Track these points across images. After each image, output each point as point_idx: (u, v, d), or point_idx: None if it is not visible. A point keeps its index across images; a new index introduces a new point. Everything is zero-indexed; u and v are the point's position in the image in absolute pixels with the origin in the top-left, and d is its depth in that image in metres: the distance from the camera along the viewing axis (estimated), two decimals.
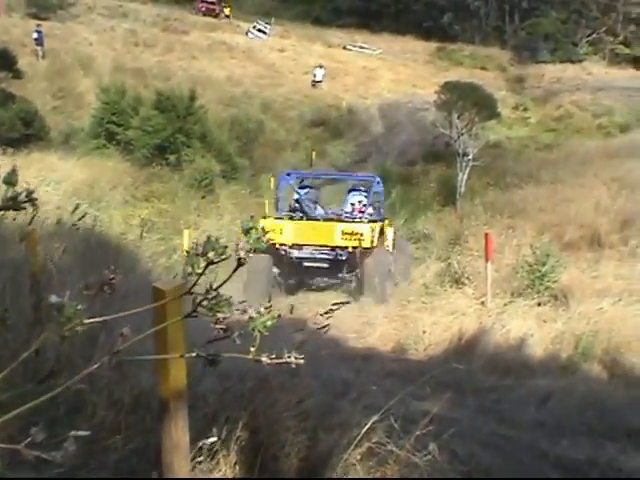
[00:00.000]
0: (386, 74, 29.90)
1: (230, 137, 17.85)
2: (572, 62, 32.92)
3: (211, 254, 1.34)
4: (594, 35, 36.23)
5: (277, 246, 9.27)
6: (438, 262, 11.18)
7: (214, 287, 1.35)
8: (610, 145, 19.09)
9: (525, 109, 26.56)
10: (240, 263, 1.36)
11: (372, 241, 9.34)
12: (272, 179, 16.35)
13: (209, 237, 1.36)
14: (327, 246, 9.39)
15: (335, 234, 9.32)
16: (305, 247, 9.45)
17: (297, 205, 10.28)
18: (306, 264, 9.47)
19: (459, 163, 15.59)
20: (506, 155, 19.51)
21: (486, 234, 8.66)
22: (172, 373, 1.74)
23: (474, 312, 7.78)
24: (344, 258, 9.35)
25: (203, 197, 14.15)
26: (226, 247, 1.35)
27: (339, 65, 29.51)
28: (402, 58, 32.69)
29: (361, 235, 9.25)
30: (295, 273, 9.65)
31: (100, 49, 24.64)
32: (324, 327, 3.28)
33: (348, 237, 9.27)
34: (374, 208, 10.60)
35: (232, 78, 25.79)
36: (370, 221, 9.75)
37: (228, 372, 2.68)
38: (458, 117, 16.29)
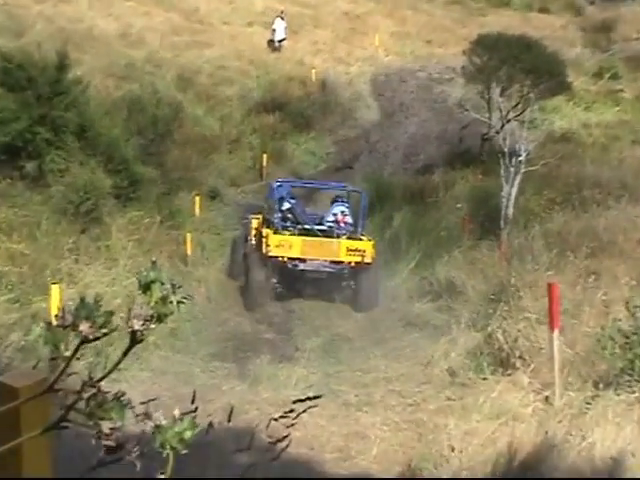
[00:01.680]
0: (383, 24, 30.65)
1: (127, 131, 17.96)
2: None
3: (85, 326, 1.34)
4: None
5: (284, 259, 15.02)
6: (471, 332, 11.37)
7: (95, 379, 1.36)
8: None
9: (614, 77, 26.42)
10: (135, 340, 1.40)
11: (372, 257, 15.12)
12: (198, 199, 16.54)
13: (83, 299, 1.39)
14: (332, 261, 15.19)
15: (341, 250, 15.22)
16: (310, 261, 15.15)
17: (290, 215, 15.93)
18: (308, 275, 15.20)
19: (504, 168, 16.02)
20: (582, 154, 19.96)
21: (550, 285, 8.87)
22: None
23: (533, 414, 7.94)
24: (346, 272, 15.22)
25: (84, 231, 14.15)
26: (111, 314, 1.39)
27: (306, 10, 30.54)
28: None
29: (364, 252, 15.11)
30: (294, 283, 15.33)
31: None
32: (281, 441, 3.43)
33: (352, 253, 15.15)
34: (359, 220, 16.01)
35: (129, 34, 26.38)
36: (350, 234, 15.58)
37: None
38: (502, 93, 17.22)
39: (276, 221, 15.65)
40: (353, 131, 24.13)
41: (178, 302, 1.47)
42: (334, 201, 16.72)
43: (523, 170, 15.91)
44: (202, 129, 23.00)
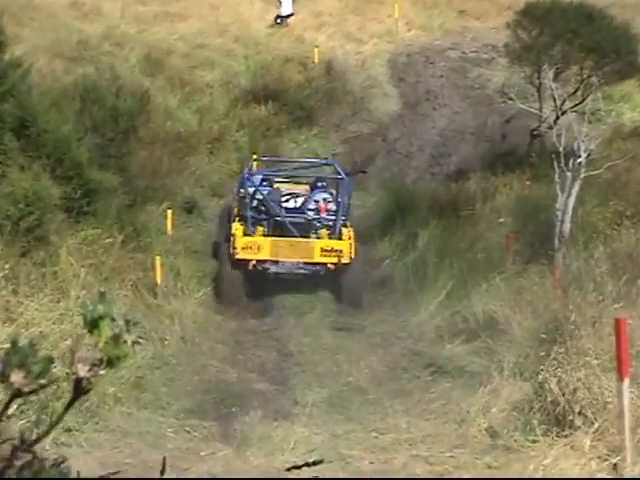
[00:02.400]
0: None
1: (80, 127, 17.99)
2: None
3: (18, 376, 1.35)
4: None
5: (254, 262, 17.04)
6: (517, 381, 11.35)
7: (29, 441, 1.37)
8: None
9: None
10: (80, 390, 1.42)
11: (351, 257, 17.14)
12: (170, 213, 16.55)
13: (14, 342, 1.40)
14: (306, 262, 17.19)
15: (315, 251, 17.20)
16: (282, 262, 17.21)
17: (262, 207, 17.94)
18: (282, 277, 17.37)
19: (559, 173, 16.00)
20: None
21: (618, 321, 8.94)
22: None
23: None
24: (322, 273, 17.26)
25: (24, 254, 14.12)
26: (51, 361, 1.41)
27: None
28: None
29: (340, 252, 17.11)
30: (268, 287, 17.51)
31: None
32: None
33: (327, 254, 17.12)
34: (340, 208, 17.84)
35: (81, 3, 26.60)
36: (333, 223, 17.71)
37: None
38: (556, 77, 17.07)
39: (248, 215, 17.58)
40: (367, 126, 24.20)
41: (134, 342, 1.47)
42: (315, 187, 18.86)
43: (583, 175, 15.87)
44: (175, 124, 23.12)
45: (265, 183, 18.51)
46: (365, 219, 20.65)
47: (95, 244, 15.27)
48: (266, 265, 17.16)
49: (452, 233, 18.02)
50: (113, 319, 1.46)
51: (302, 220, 17.75)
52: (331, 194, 18.39)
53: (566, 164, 15.69)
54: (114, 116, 19.32)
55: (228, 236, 17.51)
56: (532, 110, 17.83)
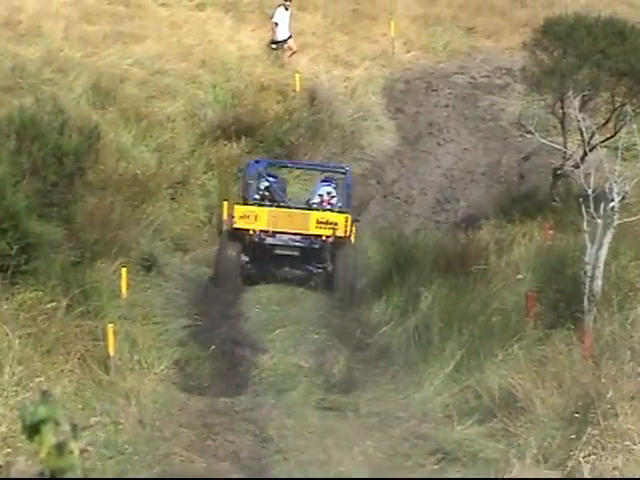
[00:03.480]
0: (402, 2, 30.83)
1: (16, 170, 17.96)
2: None
3: None
4: None
5: (250, 232, 20.52)
6: (542, 469, 11.38)
7: None
8: None
9: None
10: None
11: (346, 231, 20.51)
12: (124, 271, 16.64)
13: None
14: (301, 234, 20.76)
15: (310, 222, 20.71)
16: (279, 235, 20.78)
17: (267, 193, 21.82)
18: (277, 251, 20.92)
19: (588, 220, 15.90)
20: None
21: None
22: None
23: None
24: (317, 247, 20.69)
25: None
26: None
27: None
28: None
29: (335, 224, 20.52)
30: (265, 261, 21.12)
31: None
32: None
33: (323, 226, 20.54)
34: (343, 199, 21.87)
35: (16, 22, 26.45)
36: (340, 212, 21.28)
37: None
38: (582, 106, 17.16)
39: (252, 200, 21.41)
40: (358, 166, 24.33)
41: (82, 451, 1.46)
42: (322, 181, 22.82)
43: (617, 222, 15.83)
44: (130, 165, 23.04)
45: (270, 174, 22.62)
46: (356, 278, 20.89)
47: (35, 310, 15.24)
48: (262, 236, 20.73)
49: (461, 293, 17.89)
50: (57, 423, 1.44)
51: (304, 206, 21.62)
52: (335, 188, 22.21)
53: (596, 209, 15.57)
54: (57, 156, 19.17)
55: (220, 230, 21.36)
56: (555, 145, 18.00)
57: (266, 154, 24.27)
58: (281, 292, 20.53)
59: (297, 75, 26.25)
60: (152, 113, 24.78)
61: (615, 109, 17.87)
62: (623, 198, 15.99)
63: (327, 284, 20.60)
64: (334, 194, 21.94)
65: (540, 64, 18.24)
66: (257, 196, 21.65)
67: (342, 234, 20.39)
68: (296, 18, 29.18)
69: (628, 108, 17.50)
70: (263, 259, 21.06)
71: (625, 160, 17.13)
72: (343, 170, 22.66)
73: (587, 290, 15.65)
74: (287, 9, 28.33)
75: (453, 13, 30.00)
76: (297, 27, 28.96)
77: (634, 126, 17.34)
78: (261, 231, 20.61)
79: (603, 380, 12.60)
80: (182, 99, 25.37)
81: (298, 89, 26.06)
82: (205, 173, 23.94)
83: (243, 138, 24.35)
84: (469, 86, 26.12)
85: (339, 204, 21.64)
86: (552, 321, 16.46)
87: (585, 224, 15.78)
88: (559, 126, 18.18)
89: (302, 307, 19.85)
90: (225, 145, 24.35)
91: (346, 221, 20.56)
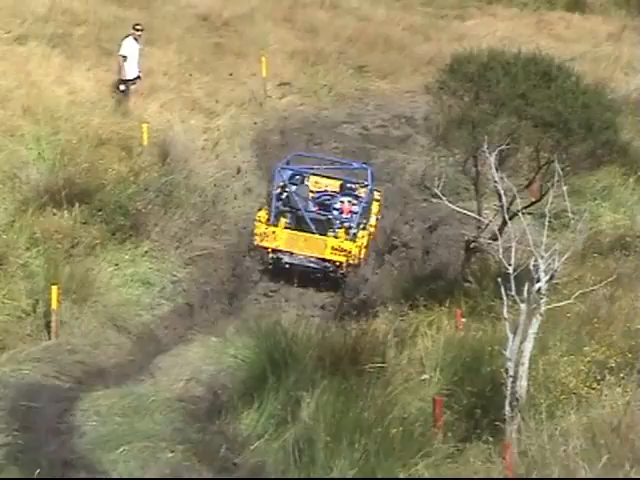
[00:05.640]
0: (275, 35, 31.79)
1: None
2: None
3: None
4: None
5: (269, 250, 24.85)
6: None
7: None
8: None
9: None
10: None
11: (359, 257, 24.73)
12: None
13: None
14: (317, 258, 25.12)
15: (326, 248, 24.69)
16: (295, 255, 25.03)
17: (288, 202, 25.79)
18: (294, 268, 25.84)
19: (509, 304, 15.61)
20: None
21: None
22: None
23: None
24: (331, 270, 24.98)
25: None
26: None
27: (130, 13, 31.03)
28: None
29: (349, 253, 24.41)
30: (281, 272, 25.70)
31: None
32: None
33: (337, 253, 24.50)
34: (360, 211, 26.12)
35: None
36: (358, 224, 25.67)
37: None
38: (501, 163, 17.30)
39: (273, 209, 24.81)
40: (222, 240, 24.06)
41: None
42: (344, 187, 26.06)
43: (544, 308, 15.53)
44: None
45: (297, 177, 26.15)
46: (216, 383, 19.62)
47: None
48: (279, 256, 24.51)
49: (352, 398, 16.92)
50: None
51: (323, 218, 25.01)
52: (356, 197, 25.69)
53: (519, 292, 15.45)
54: None
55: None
56: (467, 212, 17.75)
57: (106, 225, 23.11)
58: (125, 400, 18.36)
59: (145, 126, 25.66)
60: None
61: (540, 167, 18.00)
62: (552, 277, 15.68)
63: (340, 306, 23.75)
64: (355, 202, 25.63)
65: (447, 112, 18.08)
66: (279, 203, 25.11)
67: (355, 261, 24.24)
68: (143, 54, 28.16)
69: (556, 166, 16.78)
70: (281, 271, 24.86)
71: (554, 230, 17.20)
72: (365, 167, 26.46)
73: (509, 393, 15.53)
74: (137, 40, 27.37)
75: (339, 48, 30.09)
76: (144, 65, 28.08)
77: (564, 188, 16.77)
78: (279, 250, 24.50)
79: None
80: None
81: (146, 143, 25.42)
82: (28, 249, 21.94)
83: (77, 205, 22.86)
84: (360, 138, 26.04)
85: (358, 211, 25.13)
86: (466, 432, 16.19)
87: (505, 310, 15.63)
88: (472, 188, 18.01)
89: (152, 418, 17.86)
90: (54, 214, 22.79)
91: (360, 246, 24.42)
